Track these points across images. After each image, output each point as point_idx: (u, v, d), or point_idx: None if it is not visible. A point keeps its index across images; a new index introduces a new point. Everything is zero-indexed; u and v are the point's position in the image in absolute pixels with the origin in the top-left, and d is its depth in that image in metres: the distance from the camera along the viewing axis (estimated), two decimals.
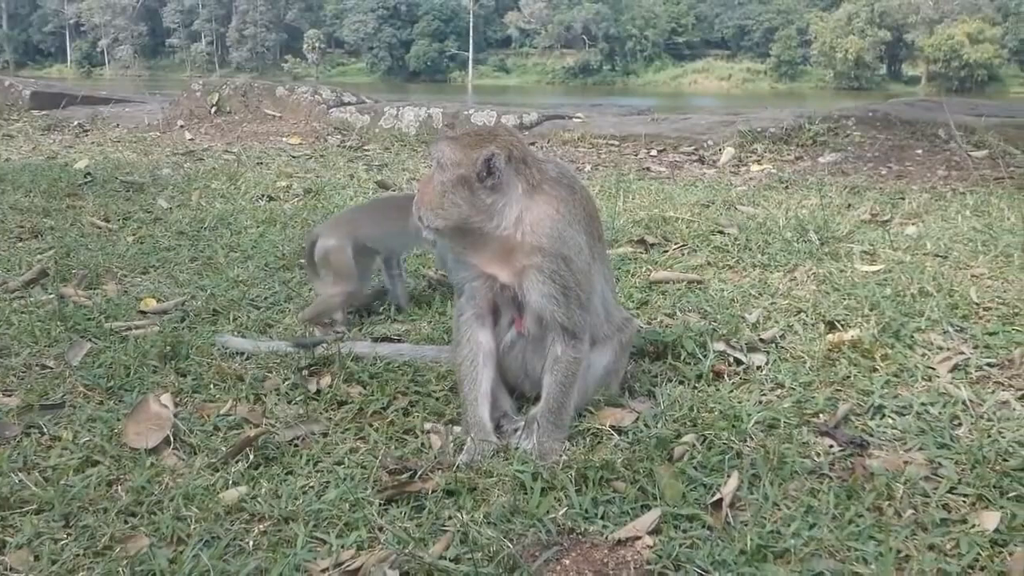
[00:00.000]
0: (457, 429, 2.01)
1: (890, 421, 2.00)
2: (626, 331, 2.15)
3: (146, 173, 4.84)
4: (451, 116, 6.50)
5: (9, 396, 2.17)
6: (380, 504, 1.73)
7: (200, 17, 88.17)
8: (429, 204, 1.94)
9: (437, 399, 2.15)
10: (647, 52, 76.64)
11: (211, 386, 2.23)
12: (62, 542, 1.62)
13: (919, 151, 5.26)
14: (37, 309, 2.69)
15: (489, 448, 1.93)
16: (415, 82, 72.99)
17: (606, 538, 1.62)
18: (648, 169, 5.24)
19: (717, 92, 63.56)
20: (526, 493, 1.75)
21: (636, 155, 5.65)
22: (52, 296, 2.79)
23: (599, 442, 1.95)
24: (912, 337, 2.38)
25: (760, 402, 2.10)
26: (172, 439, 1.96)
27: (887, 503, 1.69)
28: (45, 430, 2.01)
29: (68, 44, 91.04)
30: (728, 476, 1.77)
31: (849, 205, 4.03)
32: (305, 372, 2.29)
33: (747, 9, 74.40)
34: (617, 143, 5.90)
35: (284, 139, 6.50)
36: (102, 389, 2.20)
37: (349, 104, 7.03)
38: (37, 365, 2.34)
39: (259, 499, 1.74)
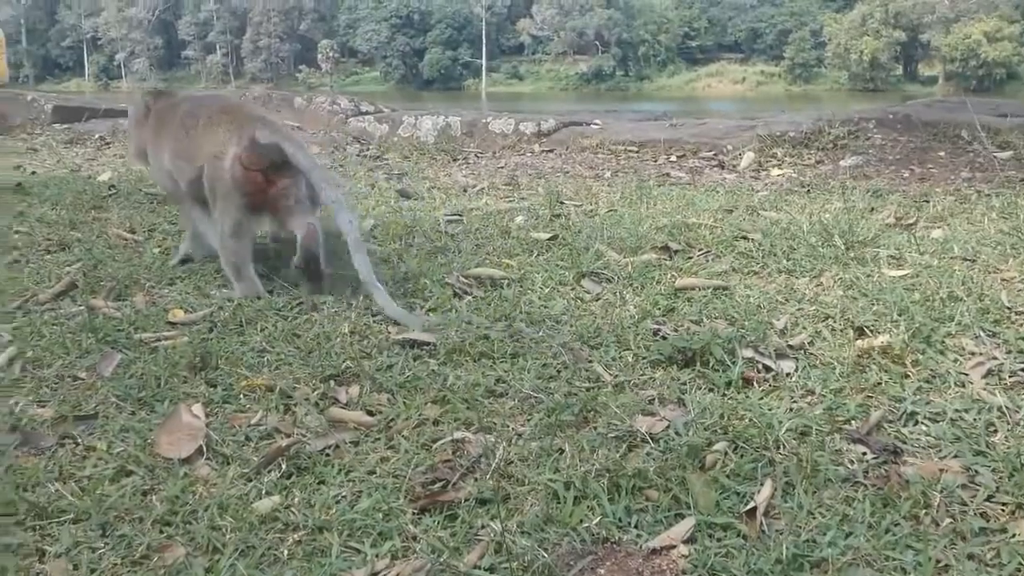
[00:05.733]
0: (486, 437, 2.02)
1: (924, 428, 1.99)
2: None
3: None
4: (469, 124, 6.53)
5: (43, 407, 2.18)
6: (413, 513, 1.73)
7: (215, 29, 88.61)
8: None
9: (468, 408, 2.15)
10: (660, 57, 76.55)
11: (241, 396, 2.23)
12: (100, 551, 1.62)
13: (942, 153, 5.24)
14: (67, 321, 2.71)
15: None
16: (429, 90, 73.17)
17: (640, 547, 1.62)
18: (668, 175, 5.23)
19: (732, 95, 63.43)
20: (559, 502, 1.75)
21: (655, 161, 5.65)
22: (82, 308, 2.81)
23: (630, 450, 1.95)
24: (943, 342, 2.37)
25: (791, 409, 2.10)
26: (204, 449, 1.97)
27: (924, 512, 1.68)
28: (79, 441, 2.02)
29: (86, 58, 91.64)
30: (761, 484, 1.77)
31: (872, 209, 4.02)
32: (333, 382, 2.30)
33: (760, 12, 74.24)
34: (636, 149, 5.91)
35: None
36: (134, 399, 2.21)
37: (367, 113, 7.07)
38: (69, 376, 2.35)
39: (292, 509, 1.75)
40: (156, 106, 3.30)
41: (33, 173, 5.51)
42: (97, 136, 7.50)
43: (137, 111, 3.42)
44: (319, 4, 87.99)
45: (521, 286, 2.97)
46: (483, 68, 79.01)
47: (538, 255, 3.33)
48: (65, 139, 7.49)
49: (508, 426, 2.07)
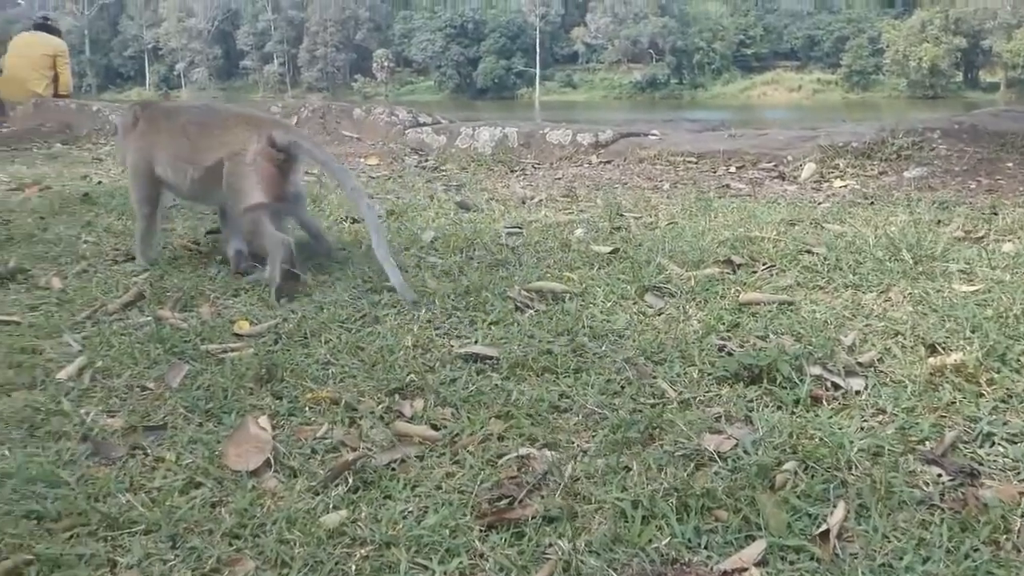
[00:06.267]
0: (550, 454, 2.01)
1: (1001, 449, 1.94)
2: None
3: None
4: (526, 135, 6.53)
5: (113, 417, 2.21)
6: (480, 530, 1.72)
7: (272, 39, 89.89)
8: None
9: (532, 423, 2.14)
10: (715, 65, 76.19)
11: (306, 409, 2.25)
12: (170, 563, 1.64)
13: (1010, 164, 5.13)
14: (136, 331, 2.75)
15: None
16: (482, 99, 73.57)
17: (711, 569, 1.59)
18: (728, 186, 5.18)
19: (787, 103, 62.87)
20: (627, 521, 1.73)
21: (715, 172, 5.60)
22: (149, 318, 2.85)
23: (698, 468, 1.92)
24: (1019, 360, 2.31)
25: (862, 428, 2.06)
26: (272, 462, 1.98)
27: (1004, 537, 1.63)
28: (149, 451, 2.04)
29: (147, 68, 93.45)
30: (834, 506, 1.73)
31: (939, 222, 3.94)
32: (397, 396, 2.30)
33: (817, 19, 73.53)
34: (695, 160, 5.86)
35: (362, 160, 6.58)
36: (201, 411, 2.23)
37: (425, 125, 7.10)
38: (138, 387, 2.38)
39: (359, 523, 1.75)
40: (145, 115, 3.56)
41: (99, 183, 5.62)
42: None
43: (125, 121, 3.65)
44: (375, 14, 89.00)
45: (583, 300, 2.96)
46: (536, 77, 79.19)
47: (599, 268, 3.32)
48: None
49: (573, 442, 2.06)
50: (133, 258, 3.57)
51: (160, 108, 3.64)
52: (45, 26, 10.77)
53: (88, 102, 10.66)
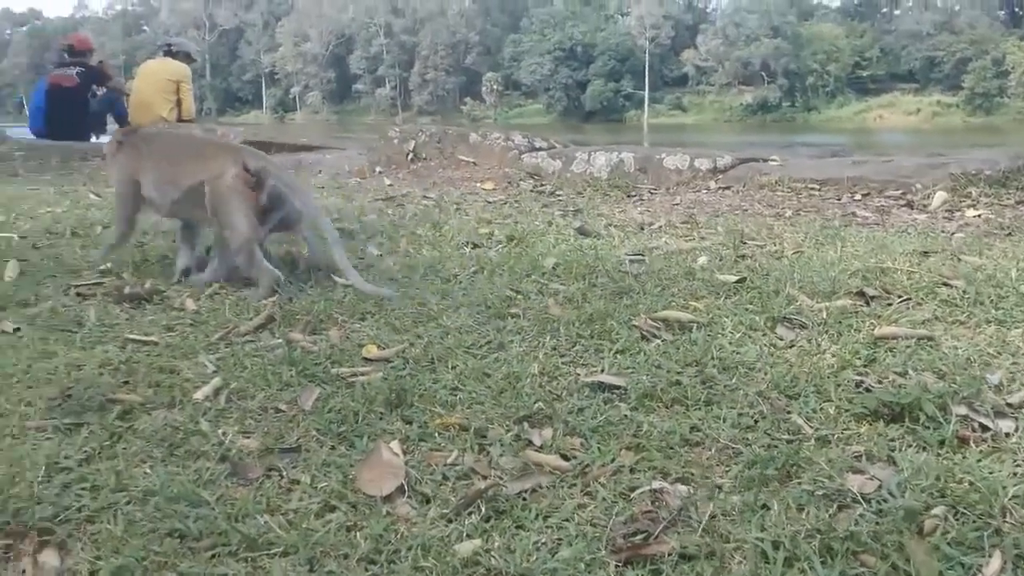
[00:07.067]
0: (684, 488, 1.97)
1: None
2: None
3: (353, 219, 5.04)
4: (642, 160, 6.49)
5: (248, 438, 2.26)
6: (616, 565, 1.69)
7: (384, 63, 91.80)
8: None
9: (664, 456, 2.10)
10: (829, 87, 74.68)
11: (436, 435, 2.26)
12: None
13: None
14: (267, 353, 2.81)
15: None
16: (591, 122, 73.62)
17: None
18: (854, 214, 5.05)
19: (905, 127, 61.14)
20: (767, 562, 1.68)
21: (839, 199, 5.46)
22: (280, 341, 2.91)
23: (840, 510, 1.86)
24: None
25: (1015, 473, 1.95)
26: (405, 487, 2.00)
27: None
28: (284, 473, 2.07)
29: (263, 91, 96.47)
30: (989, 556, 1.65)
31: None
32: (526, 424, 2.29)
33: (937, 40, 71.42)
34: (817, 187, 5.73)
35: (478, 184, 6.64)
36: (334, 434, 2.26)
37: (540, 149, 7.13)
38: (272, 408, 2.43)
39: (493, 553, 1.74)
40: (128, 141, 3.93)
41: None
42: None
43: (111, 146, 4.01)
44: (485, 38, 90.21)
45: (710, 330, 2.91)
46: (645, 99, 78.91)
47: (725, 298, 3.26)
48: None
49: (707, 477, 2.01)
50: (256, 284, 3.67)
51: (142, 134, 4.05)
52: (171, 52, 11.21)
53: (212, 126, 11.06)
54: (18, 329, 3.09)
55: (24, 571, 1.76)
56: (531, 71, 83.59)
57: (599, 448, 2.15)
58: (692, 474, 2.02)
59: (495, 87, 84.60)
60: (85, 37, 11.61)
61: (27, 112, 12.74)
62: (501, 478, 2.04)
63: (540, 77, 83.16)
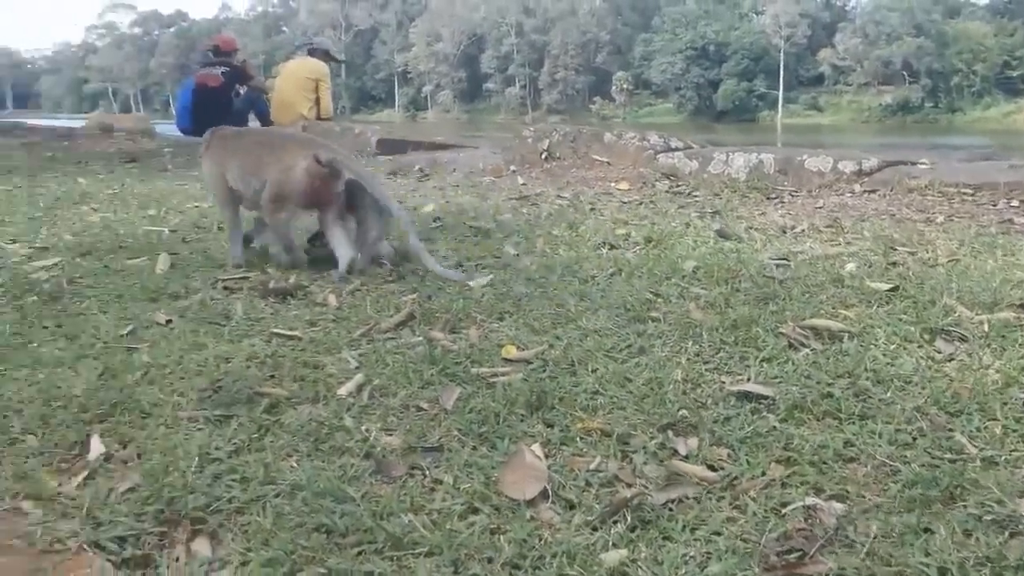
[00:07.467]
0: (839, 506, 1.88)
1: None
2: None
3: (489, 218, 5.06)
4: (782, 162, 6.31)
5: (391, 435, 2.27)
6: None
7: (515, 62, 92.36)
8: None
9: (817, 471, 2.02)
10: (975, 88, 71.43)
11: (577, 439, 2.22)
12: None
13: None
14: (408, 350, 2.83)
15: None
16: (722, 122, 72.42)
17: None
18: (1011, 221, 4.78)
19: None
20: None
21: (995, 205, 5.19)
22: (421, 339, 2.93)
23: (1012, 537, 1.74)
24: None
25: None
26: (548, 492, 1.97)
27: None
28: (427, 472, 2.07)
29: (396, 90, 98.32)
30: None
31: None
32: (671, 432, 2.24)
33: None
34: (971, 192, 5.45)
35: (612, 184, 6.58)
36: (475, 434, 2.25)
37: (677, 150, 7.01)
38: (413, 406, 2.43)
39: (640, 564, 1.70)
40: (216, 139, 4.22)
41: None
42: (417, 168, 7.94)
43: (204, 146, 4.27)
44: (616, 37, 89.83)
45: (862, 341, 2.79)
46: (779, 99, 77.18)
47: (877, 307, 3.12)
48: (388, 170, 7.98)
49: (863, 495, 1.92)
50: (402, 278, 3.70)
51: (229, 132, 4.33)
52: (313, 50, 11.48)
53: (351, 124, 11.30)
54: (170, 321, 3.20)
55: (178, 558, 1.80)
56: (662, 70, 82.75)
57: (748, 460, 2.08)
58: (847, 491, 1.94)
59: (625, 86, 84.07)
60: (230, 38, 12.00)
61: (173, 110, 13.29)
62: (646, 487, 1.99)
63: (671, 76, 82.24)
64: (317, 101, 11.09)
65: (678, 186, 6.33)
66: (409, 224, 3.82)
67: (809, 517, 1.86)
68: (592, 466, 2.09)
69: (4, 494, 2.03)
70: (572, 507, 1.92)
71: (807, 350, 2.72)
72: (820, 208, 5.41)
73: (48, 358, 2.82)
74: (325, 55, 11.40)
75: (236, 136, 4.26)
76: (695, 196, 5.97)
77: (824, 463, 2.05)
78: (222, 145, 4.16)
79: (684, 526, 1.84)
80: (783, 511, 1.88)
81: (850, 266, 3.71)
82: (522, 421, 2.32)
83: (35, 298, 3.49)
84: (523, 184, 6.88)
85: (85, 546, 1.82)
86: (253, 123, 10.94)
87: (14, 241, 4.72)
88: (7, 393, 2.55)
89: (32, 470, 2.12)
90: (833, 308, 3.11)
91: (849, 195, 5.78)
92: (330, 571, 1.70)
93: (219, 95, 10.48)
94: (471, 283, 3.58)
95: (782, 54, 78.49)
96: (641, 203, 5.72)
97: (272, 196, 3.86)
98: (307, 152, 3.81)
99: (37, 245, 4.57)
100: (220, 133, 4.28)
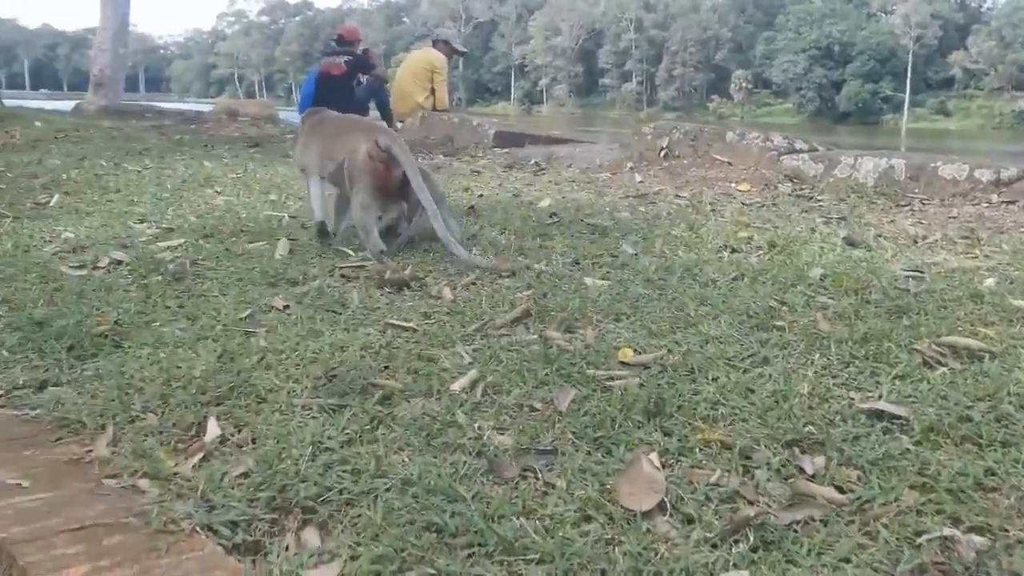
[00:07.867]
0: (979, 539, 1.76)
1: None
2: None
3: (606, 216, 4.98)
4: (915, 167, 6.04)
5: (503, 435, 2.22)
6: None
7: (632, 58, 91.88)
8: None
9: (956, 501, 1.89)
10: None
11: (696, 450, 2.14)
12: None
13: None
14: (523, 348, 2.78)
15: None
16: (844, 124, 70.49)
17: None
18: None
19: None
20: None
21: None
22: (536, 337, 2.88)
23: None
24: None
25: None
26: (666, 504, 1.90)
27: None
28: (540, 475, 2.02)
29: (512, 83, 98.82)
30: None
31: None
32: (796, 449, 2.13)
33: None
34: None
35: (733, 185, 6.42)
36: (590, 439, 2.19)
37: (801, 151, 6.79)
38: (527, 406, 2.38)
39: None
40: (308, 121, 4.58)
41: (480, 196, 5.89)
42: (533, 162, 7.90)
43: (300, 126, 4.65)
44: (737, 34, 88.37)
45: (1004, 362, 2.62)
46: (906, 102, 74.68)
47: (1021, 327, 2.94)
48: (504, 163, 7.97)
49: (1006, 529, 1.79)
50: (514, 273, 3.66)
51: (314, 117, 4.60)
52: (436, 41, 11.58)
53: (469, 116, 11.34)
54: (287, 306, 3.23)
55: (287, 547, 1.80)
56: (783, 69, 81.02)
57: (879, 484, 1.96)
58: (988, 524, 1.81)
59: (744, 85, 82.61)
60: (354, 28, 12.18)
61: (295, 97, 13.56)
62: (769, 505, 1.90)
63: (792, 76, 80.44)
64: (433, 92, 11.17)
65: (801, 189, 6.14)
66: (433, 211, 3.89)
67: (946, 549, 1.74)
68: (712, 480, 2.00)
69: (123, 471, 2.07)
70: (690, 522, 1.85)
71: (944, 369, 2.57)
72: (954, 218, 5.16)
73: (169, 338, 2.87)
74: (448, 47, 11.48)
75: (319, 120, 4.53)
76: (820, 200, 5.77)
77: (963, 492, 1.92)
78: (309, 129, 4.49)
79: (810, 550, 1.74)
80: (918, 541, 1.76)
81: (989, 281, 3.50)
82: (639, 428, 2.25)
83: (159, 278, 3.58)
84: (641, 182, 6.77)
85: (198, 528, 1.83)
86: (373, 112, 11.08)
87: (142, 221, 4.85)
88: (130, 371, 2.61)
89: (151, 449, 2.15)
90: (972, 325, 2.94)
91: (986, 205, 5.50)
92: (439, 572, 1.66)
93: (341, 83, 10.65)
94: (489, 267, 3.78)
95: (911, 55, 75.96)
96: (763, 205, 5.56)
97: (347, 177, 4.09)
98: (370, 137, 4.04)
99: (163, 226, 4.70)
100: (309, 117, 4.60)
